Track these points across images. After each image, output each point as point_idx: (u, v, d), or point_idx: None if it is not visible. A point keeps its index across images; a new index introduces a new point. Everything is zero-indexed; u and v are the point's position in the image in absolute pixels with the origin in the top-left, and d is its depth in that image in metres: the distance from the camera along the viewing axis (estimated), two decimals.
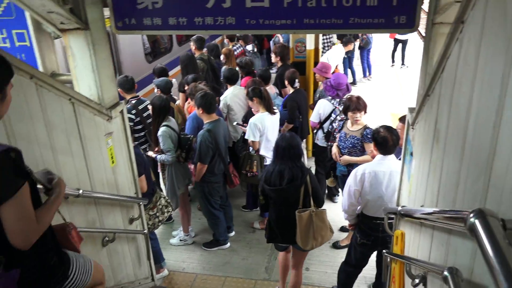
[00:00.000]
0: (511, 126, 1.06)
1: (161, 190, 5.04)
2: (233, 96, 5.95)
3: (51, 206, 1.85)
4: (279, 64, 6.76)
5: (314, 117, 5.70)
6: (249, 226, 5.84)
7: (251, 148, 5.13)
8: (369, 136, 4.62)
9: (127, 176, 3.91)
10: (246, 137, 5.06)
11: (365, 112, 4.80)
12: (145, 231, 4.12)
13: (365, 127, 4.73)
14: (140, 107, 5.38)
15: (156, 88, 5.68)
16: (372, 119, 8.92)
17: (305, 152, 6.62)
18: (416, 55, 12.50)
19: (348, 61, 10.75)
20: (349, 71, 10.90)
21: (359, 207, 3.96)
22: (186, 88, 5.80)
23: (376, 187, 3.73)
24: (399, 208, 2.47)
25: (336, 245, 5.28)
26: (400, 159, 3.66)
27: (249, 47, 8.78)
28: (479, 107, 1.30)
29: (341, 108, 5.50)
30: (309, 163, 6.71)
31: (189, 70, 6.39)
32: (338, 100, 5.53)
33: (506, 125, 1.09)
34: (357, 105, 4.68)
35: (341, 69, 9.00)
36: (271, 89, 6.17)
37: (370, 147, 4.59)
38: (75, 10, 3.09)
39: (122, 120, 3.76)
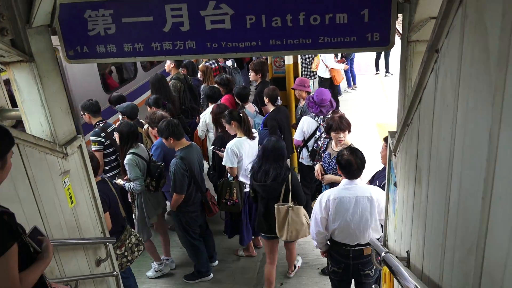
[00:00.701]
0: (506, 204, 0.78)
1: (133, 224, 4.70)
2: None
3: (37, 269, 1.95)
4: (258, 81, 6.48)
5: (297, 135, 5.42)
6: (233, 253, 5.52)
7: (229, 175, 4.82)
8: None
9: (90, 215, 3.59)
10: (223, 163, 4.77)
11: (349, 131, 4.53)
12: (115, 272, 3.79)
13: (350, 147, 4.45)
14: (109, 129, 5.12)
15: (121, 115, 5.38)
16: (358, 130, 8.69)
17: None
18: None
19: None
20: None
21: (328, 234, 3.70)
22: (148, 110, 5.52)
23: (342, 214, 3.49)
24: (383, 253, 2.19)
25: (324, 271, 4.98)
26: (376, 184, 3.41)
27: (229, 63, 8.52)
28: (463, 166, 1.03)
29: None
30: None
31: (159, 92, 6.09)
32: (322, 117, 5.27)
33: (499, 201, 0.81)
34: (339, 125, 4.42)
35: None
36: (250, 108, 5.90)
37: None
38: (17, 41, 2.80)
39: (81, 156, 3.45)
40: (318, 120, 5.28)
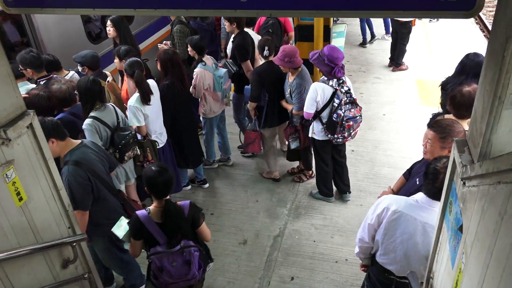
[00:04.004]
0: None
1: None
2: None
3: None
4: (235, 32, 5.33)
5: (309, 107, 4.40)
6: None
7: (139, 136, 4.28)
8: None
9: (52, 210, 2.85)
10: (130, 124, 4.10)
11: None
12: (87, 274, 3.12)
13: None
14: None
15: (80, 66, 4.52)
16: (394, 86, 7.56)
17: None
18: None
19: None
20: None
21: (373, 247, 2.84)
22: (116, 62, 4.66)
23: (397, 236, 2.58)
24: None
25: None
26: (417, 183, 2.47)
27: None
28: None
29: (343, 90, 4.24)
30: None
31: (121, 34, 5.19)
32: (336, 80, 4.25)
33: None
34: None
35: None
36: (208, 60, 5.01)
37: None
38: None
39: (33, 137, 2.63)
40: (333, 85, 4.26)
